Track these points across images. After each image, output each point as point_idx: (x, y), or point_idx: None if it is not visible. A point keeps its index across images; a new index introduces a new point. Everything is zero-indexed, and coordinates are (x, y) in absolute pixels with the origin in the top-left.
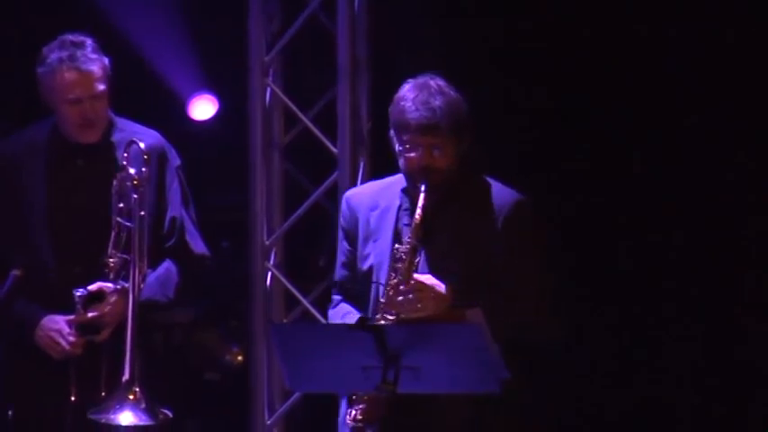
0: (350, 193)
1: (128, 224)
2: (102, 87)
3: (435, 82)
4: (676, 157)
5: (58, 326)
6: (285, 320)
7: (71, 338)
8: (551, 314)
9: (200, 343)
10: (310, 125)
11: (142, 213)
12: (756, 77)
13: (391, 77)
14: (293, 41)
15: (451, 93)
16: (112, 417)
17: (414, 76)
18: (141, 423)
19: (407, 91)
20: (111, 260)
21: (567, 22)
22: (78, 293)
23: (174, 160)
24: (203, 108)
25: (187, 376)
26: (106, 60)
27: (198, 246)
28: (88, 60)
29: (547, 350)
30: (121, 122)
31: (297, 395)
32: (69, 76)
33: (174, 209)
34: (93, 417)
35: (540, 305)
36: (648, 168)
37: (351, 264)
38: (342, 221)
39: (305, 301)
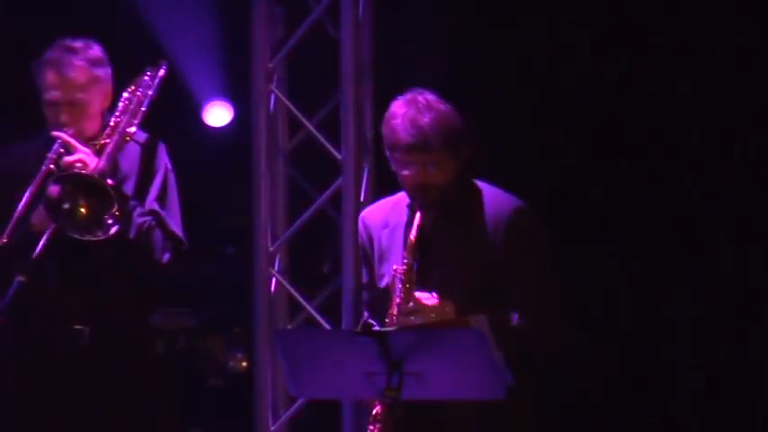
0: (364, 213)
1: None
2: (81, 96)
3: (423, 97)
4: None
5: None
6: (289, 326)
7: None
8: (556, 326)
9: (205, 349)
10: (314, 131)
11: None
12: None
13: (396, 84)
14: (297, 47)
15: (441, 107)
16: None
17: (403, 92)
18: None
19: (396, 108)
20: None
21: (568, 27)
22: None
23: (164, 158)
24: (218, 114)
25: (191, 382)
26: (99, 72)
27: (173, 223)
28: (73, 67)
29: (551, 361)
30: None
31: (301, 401)
32: (50, 77)
33: (150, 199)
34: None
35: (544, 317)
36: (654, 167)
37: (372, 284)
38: (361, 242)
39: (309, 308)
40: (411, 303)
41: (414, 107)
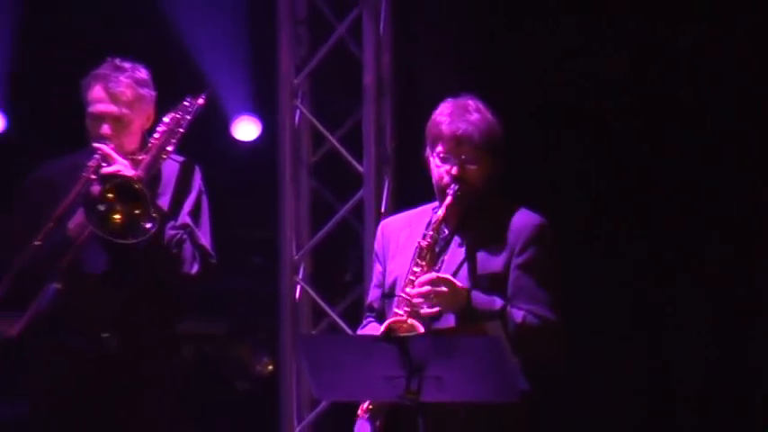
0: (385, 222)
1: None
2: (124, 111)
3: (474, 102)
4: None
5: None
6: (313, 332)
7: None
8: (553, 334)
9: (233, 354)
10: (337, 145)
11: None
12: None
13: (415, 99)
14: (321, 65)
15: (488, 114)
16: None
17: (454, 95)
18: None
19: (445, 107)
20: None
21: (579, 49)
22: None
23: (199, 179)
24: (247, 129)
25: (219, 386)
26: (144, 92)
27: (203, 239)
28: (119, 83)
29: (545, 368)
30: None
31: (324, 404)
32: (97, 91)
33: (183, 215)
34: None
35: (545, 323)
36: (661, 168)
37: (382, 285)
38: (376, 246)
39: (332, 314)
40: (428, 276)
41: (462, 107)
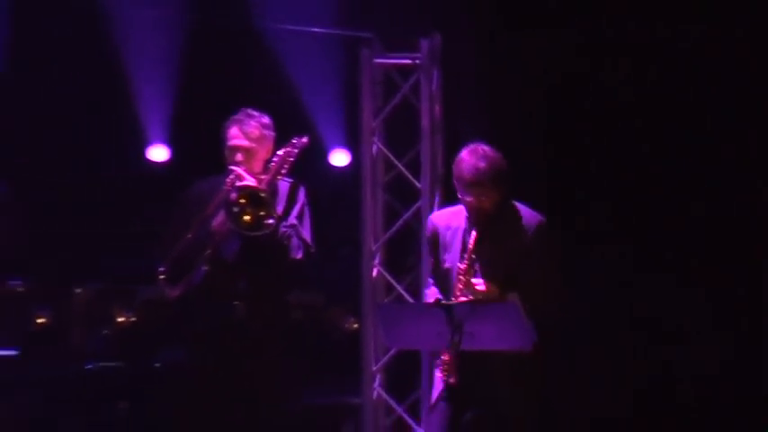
0: (432, 216)
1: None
2: (253, 145)
3: (482, 148)
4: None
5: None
6: (386, 301)
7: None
8: (556, 302)
9: (328, 316)
10: (403, 169)
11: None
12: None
13: (458, 137)
14: (391, 112)
15: (494, 155)
16: None
17: (470, 142)
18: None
19: (463, 155)
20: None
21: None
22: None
23: (302, 194)
24: (340, 158)
25: (320, 339)
26: (267, 132)
27: (306, 234)
28: (249, 125)
29: (551, 328)
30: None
31: (393, 350)
32: (233, 130)
33: (291, 218)
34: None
35: (549, 295)
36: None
37: (435, 262)
38: (428, 235)
39: (399, 288)
40: (469, 287)
41: (475, 155)
